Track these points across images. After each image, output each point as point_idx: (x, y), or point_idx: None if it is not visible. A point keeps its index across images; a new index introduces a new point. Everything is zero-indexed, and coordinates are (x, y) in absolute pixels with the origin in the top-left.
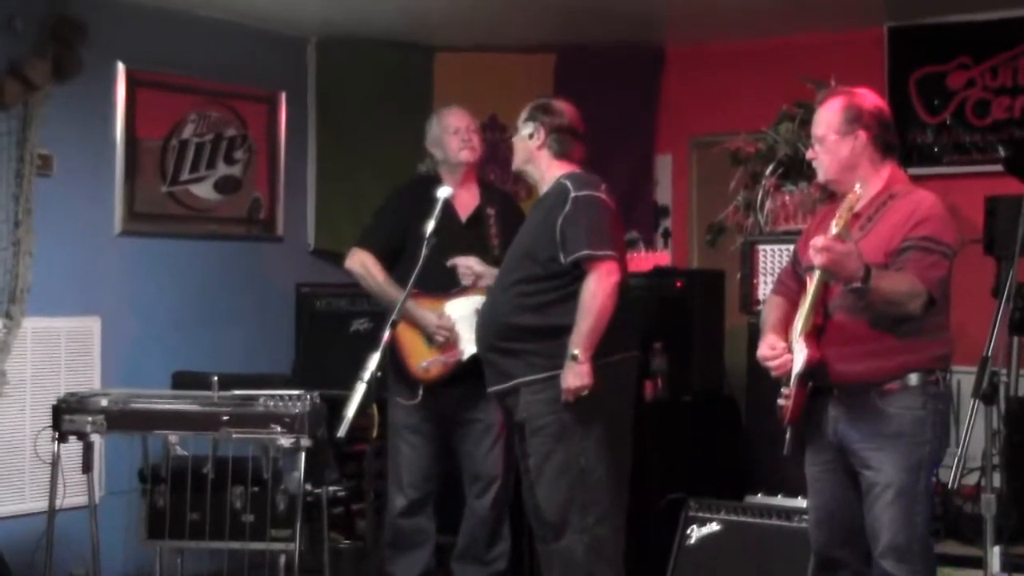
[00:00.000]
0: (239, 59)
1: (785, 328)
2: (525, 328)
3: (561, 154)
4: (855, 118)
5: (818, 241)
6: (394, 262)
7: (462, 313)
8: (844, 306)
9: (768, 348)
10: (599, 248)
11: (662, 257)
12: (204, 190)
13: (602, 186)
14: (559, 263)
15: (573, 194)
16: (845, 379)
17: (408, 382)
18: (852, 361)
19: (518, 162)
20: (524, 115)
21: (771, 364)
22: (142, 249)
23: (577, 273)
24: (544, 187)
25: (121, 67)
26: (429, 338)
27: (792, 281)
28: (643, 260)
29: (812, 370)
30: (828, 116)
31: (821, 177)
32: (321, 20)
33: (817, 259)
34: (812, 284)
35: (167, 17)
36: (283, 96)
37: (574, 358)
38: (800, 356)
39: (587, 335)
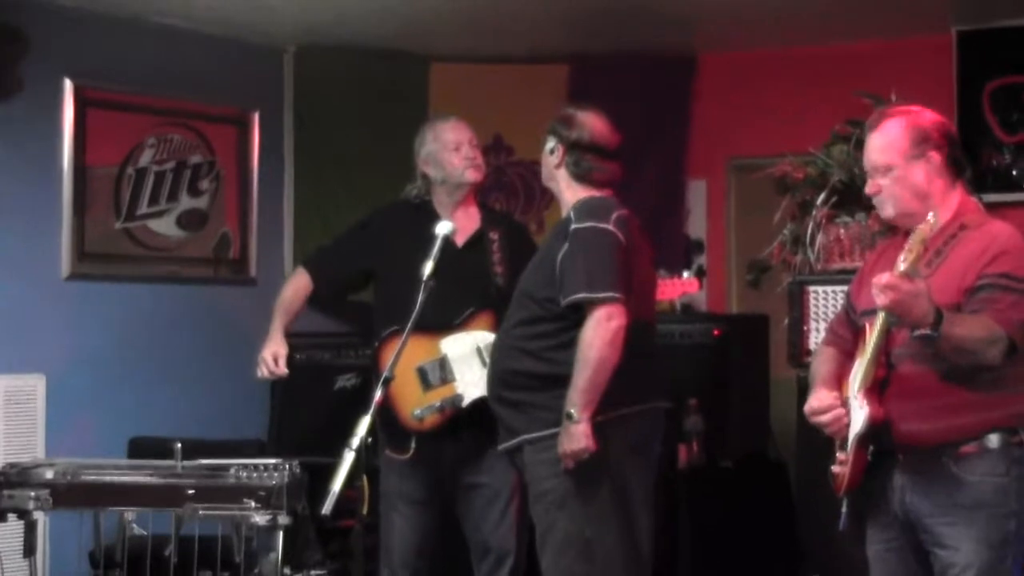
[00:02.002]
0: (205, 74)
1: (839, 384)
2: (527, 375)
3: (579, 176)
4: (924, 138)
5: (882, 279)
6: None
7: (461, 351)
8: (910, 355)
9: (816, 401)
10: (598, 289)
11: (691, 284)
12: (165, 226)
13: (613, 215)
14: (558, 305)
15: (573, 226)
16: (913, 441)
17: (399, 432)
18: (921, 419)
19: (543, 178)
20: (548, 127)
21: (822, 419)
22: (93, 295)
23: (579, 317)
24: (564, 213)
25: (68, 84)
26: (423, 379)
27: (845, 330)
28: (669, 287)
29: (875, 430)
30: (891, 140)
31: (889, 213)
32: (299, 27)
33: (880, 299)
34: (873, 330)
35: (121, 26)
36: (256, 116)
37: (569, 417)
38: (860, 414)
39: (583, 390)
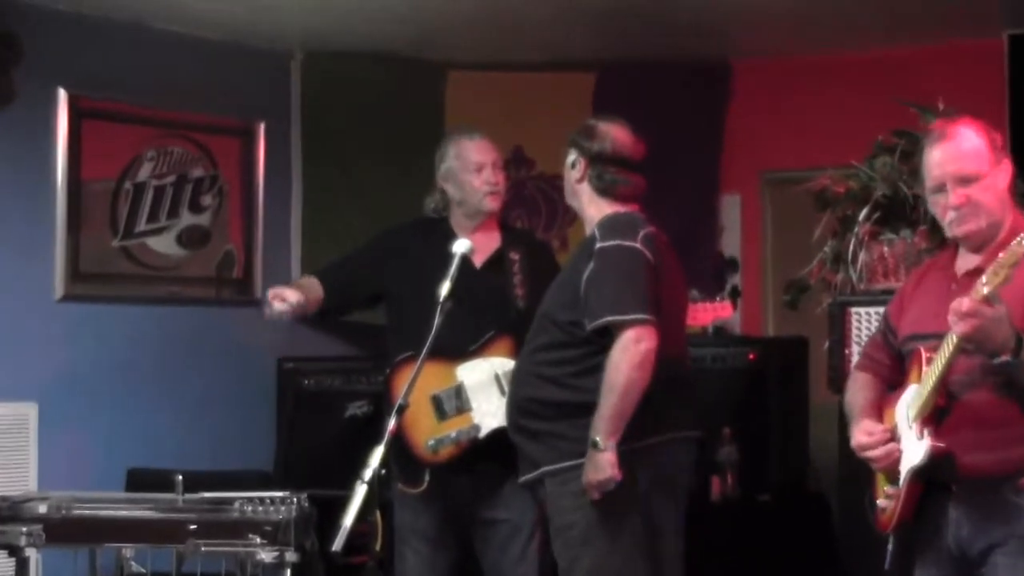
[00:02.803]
0: (207, 83)
1: (879, 413)
2: (547, 403)
3: (603, 191)
4: (999, 145)
5: (962, 305)
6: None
7: (478, 379)
8: (975, 383)
9: (865, 434)
10: (626, 311)
11: (724, 308)
12: (165, 244)
13: (640, 233)
14: (583, 328)
15: (598, 245)
16: (977, 473)
17: (412, 464)
18: (987, 450)
19: (566, 195)
20: (569, 139)
21: (873, 455)
22: (88, 317)
23: (606, 341)
24: (588, 230)
25: (63, 94)
26: (438, 408)
27: (883, 354)
28: (701, 312)
29: (937, 463)
30: (977, 147)
31: (971, 227)
32: (307, 32)
33: (960, 327)
34: (937, 357)
35: (118, 32)
36: (261, 127)
37: (595, 445)
38: (919, 446)
39: (610, 417)
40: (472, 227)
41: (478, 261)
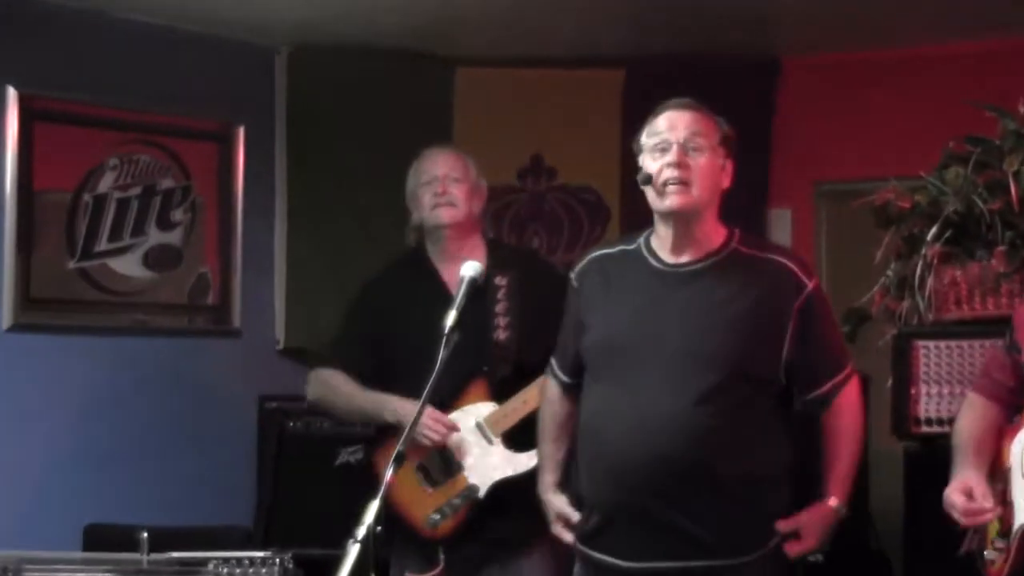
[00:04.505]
0: (178, 80)
1: (993, 444)
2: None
3: None
4: None
5: None
6: (378, 382)
7: (459, 434)
8: None
9: (961, 494)
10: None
11: None
12: (129, 266)
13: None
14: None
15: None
16: None
17: (420, 547)
18: None
19: (695, 202)
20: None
21: (969, 523)
22: (41, 350)
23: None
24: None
25: (12, 93)
26: (427, 477)
27: (1008, 376)
28: None
29: None
30: None
31: None
32: (294, 23)
33: None
34: None
35: (77, 23)
36: (241, 131)
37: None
38: None
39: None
40: (444, 249)
41: (454, 288)
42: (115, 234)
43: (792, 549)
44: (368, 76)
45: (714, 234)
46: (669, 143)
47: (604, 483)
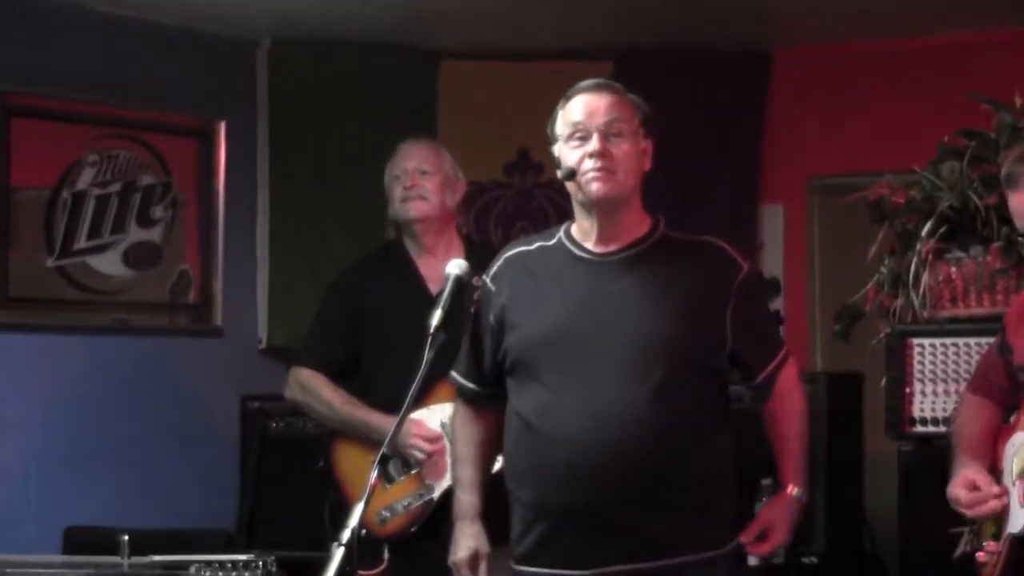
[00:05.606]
0: (158, 75)
1: (990, 445)
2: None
3: None
4: None
5: None
6: (353, 372)
7: (431, 426)
8: None
9: (965, 488)
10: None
11: None
12: (109, 264)
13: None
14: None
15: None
16: None
17: (364, 543)
18: None
19: (619, 189)
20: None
21: (972, 513)
22: (18, 350)
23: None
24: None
25: None
26: (384, 474)
27: (1001, 376)
28: None
29: None
30: None
31: None
32: (276, 15)
33: None
34: None
35: (54, 16)
36: (222, 126)
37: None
38: (1020, 515)
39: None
40: (420, 244)
41: (433, 288)
42: (94, 231)
43: (762, 549)
44: (350, 70)
45: (640, 221)
46: (589, 131)
47: (555, 487)
